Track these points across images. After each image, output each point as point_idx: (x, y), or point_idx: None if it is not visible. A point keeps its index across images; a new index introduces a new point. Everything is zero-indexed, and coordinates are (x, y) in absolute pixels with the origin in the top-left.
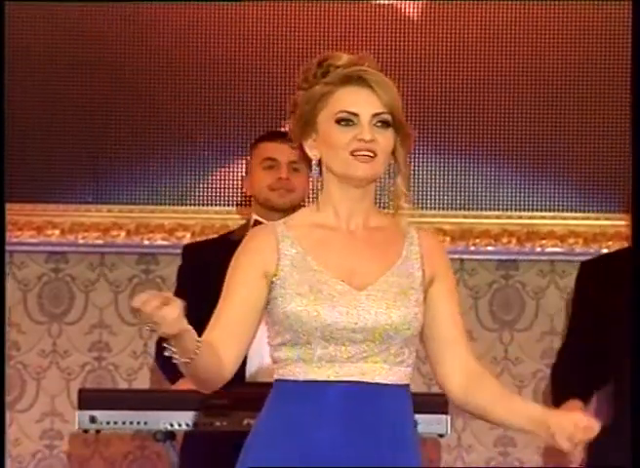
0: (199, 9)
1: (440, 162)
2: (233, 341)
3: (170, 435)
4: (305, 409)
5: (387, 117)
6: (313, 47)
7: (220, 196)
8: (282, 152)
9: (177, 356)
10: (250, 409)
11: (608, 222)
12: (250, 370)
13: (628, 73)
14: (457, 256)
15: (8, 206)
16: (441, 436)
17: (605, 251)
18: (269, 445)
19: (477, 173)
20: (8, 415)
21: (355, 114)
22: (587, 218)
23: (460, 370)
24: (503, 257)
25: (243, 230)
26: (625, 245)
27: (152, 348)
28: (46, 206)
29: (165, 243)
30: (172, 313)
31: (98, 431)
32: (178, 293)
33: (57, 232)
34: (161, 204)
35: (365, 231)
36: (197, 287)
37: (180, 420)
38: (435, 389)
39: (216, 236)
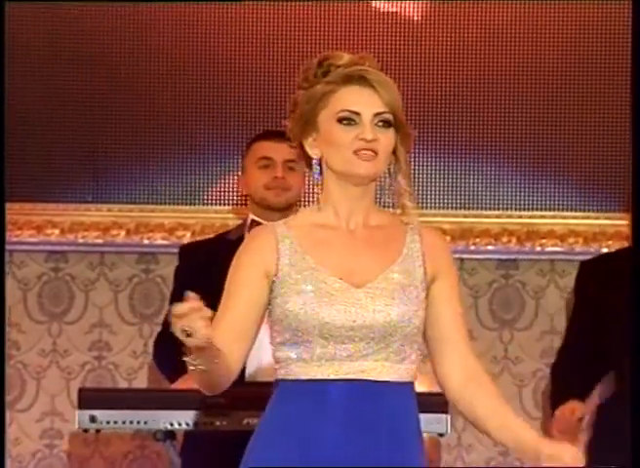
0: (199, 8)
1: (440, 161)
2: (238, 343)
3: (170, 434)
4: (306, 408)
5: (389, 117)
6: (313, 47)
7: (220, 195)
8: (277, 151)
9: (197, 365)
10: (250, 409)
11: (608, 222)
12: (249, 370)
13: (628, 73)
14: (457, 256)
15: (8, 205)
16: (441, 435)
17: (605, 250)
18: (269, 445)
19: (477, 172)
20: (8, 415)
21: (357, 113)
22: (587, 218)
23: (459, 371)
24: (503, 257)
25: (239, 230)
26: (625, 244)
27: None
28: (46, 205)
29: (165, 242)
30: (206, 326)
31: (98, 430)
32: (175, 293)
33: (56, 231)
34: (161, 203)
35: (365, 229)
36: (194, 286)
37: (180, 420)
38: (435, 389)
39: (212, 236)
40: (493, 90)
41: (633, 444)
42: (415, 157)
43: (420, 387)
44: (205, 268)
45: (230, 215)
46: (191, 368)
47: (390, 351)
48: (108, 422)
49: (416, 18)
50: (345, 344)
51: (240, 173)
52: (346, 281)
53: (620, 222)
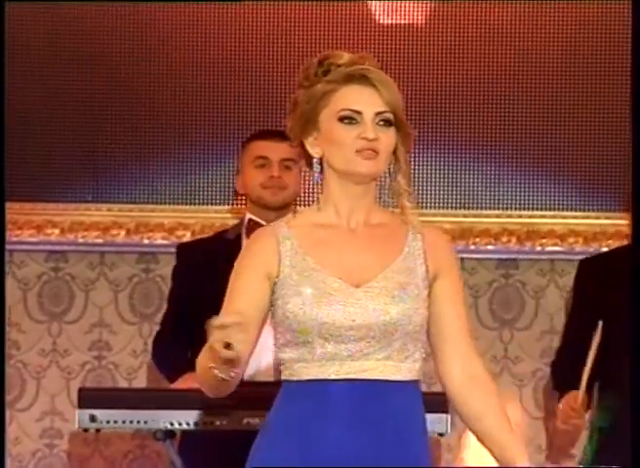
0: (199, 8)
1: (440, 161)
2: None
3: (170, 434)
4: (308, 408)
5: (390, 116)
6: (313, 47)
7: (219, 195)
8: (273, 150)
9: (222, 374)
10: (250, 409)
11: (608, 221)
12: (249, 371)
13: (628, 73)
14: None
15: (8, 205)
16: (441, 435)
17: (605, 250)
18: (272, 445)
19: (477, 172)
20: (8, 414)
21: (358, 112)
22: (587, 217)
23: (460, 370)
24: (503, 256)
25: (237, 229)
26: (625, 243)
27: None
28: (46, 205)
29: (165, 242)
30: (243, 340)
31: (98, 430)
32: (173, 293)
33: (56, 231)
34: (161, 203)
35: (366, 228)
36: (192, 286)
37: (180, 419)
38: (435, 388)
39: (209, 235)
40: (493, 89)
41: (633, 444)
42: (415, 156)
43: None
44: (203, 267)
45: (230, 215)
46: (219, 376)
47: (392, 350)
48: (108, 422)
49: (415, 17)
50: (346, 344)
51: (237, 172)
52: (346, 280)
53: (620, 222)
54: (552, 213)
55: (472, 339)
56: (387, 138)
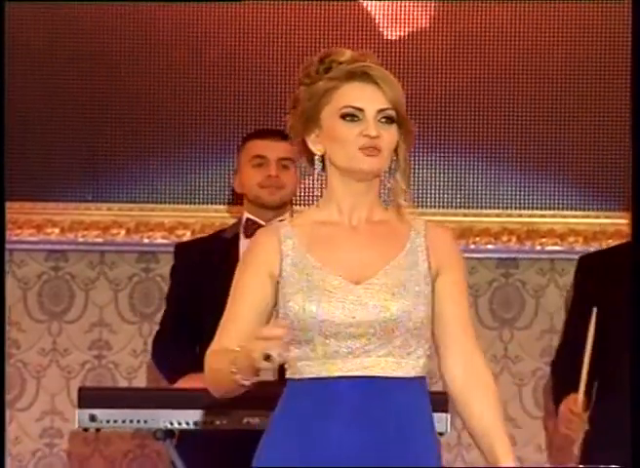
0: (199, 8)
1: (440, 160)
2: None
3: (170, 433)
4: (310, 406)
5: (392, 113)
6: (313, 47)
7: (220, 194)
8: (271, 149)
9: (246, 382)
10: (250, 409)
11: (608, 221)
12: None
13: (628, 73)
14: None
15: (8, 204)
16: (441, 434)
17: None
18: (272, 444)
19: (477, 171)
20: (8, 414)
21: (360, 109)
22: (587, 217)
23: (462, 369)
24: (503, 256)
25: (234, 228)
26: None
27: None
28: (46, 204)
29: (165, 241)
30: (282, 354)
31: (98, 429)
32: (171, 293)
33: (56, 230)
34: (161, 202)
35: (368, 225)
36: (191, 285)
37: (180, 419)
38: (435, 387)
39: (207, 235)
40: (493, 89)
41: (633, 443)
42: (415, 156)
43: None
44: (201, 267)
45: (230, 214)
46: (242, 383)
47: (393, 346)
48: (108, 421)
49: (416, 17)
50: (346, 341)
51: (234, 171)
52: (346, 278)
53: (620, 221)
54: (552, 212)
55: (475, 338)
56: (389, 136)
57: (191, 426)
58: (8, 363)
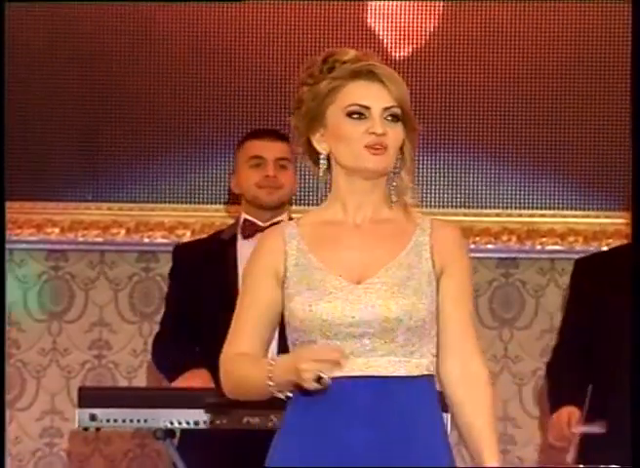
0: (199, 8)
1: (440, 160)
2: (263, 349)
3: (170, 433)
4: (313, 407)
5: (398, 111)
6: (313, 47)
7: (220, 194)
8: (268, 150)
9: (282, 395)
10: (250, 408)
11: (608, 220)
12: None
13: (628, 73)
14: None
15: (8, 204)
16: None
17: (605, 249)
18: (276, 445)
19: (477, 171)
20: (8, 414)
21: (367, 107)
22: (587, 216)
23: (459, 371)
24: (503, 255)
25: (232, 229)
26: (624, 242)
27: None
28: (46, 204)
29: (165, 241)
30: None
31: (98, 429)
32: (170, 294)
33: (56, 230)
34: (161, 202)
35: (372, 224)
36: (189, 286)
37: (180, 418)
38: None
39: (205, 236)
40: (493, 89)
41: (633, 443)
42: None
43: None
44: (199, 268)
45: (230, 214)
46: (269, 392)
47: (395, 345)
48: (108, 421)
49: (416, 17)
50: (348, 341)
51: (232, 172)
52: (346, 278)
53: (620, 221)
54: (552, 212)
55: (475, 340)
56: (395, 134)
57: (191, 426)
58: (8, 363)
